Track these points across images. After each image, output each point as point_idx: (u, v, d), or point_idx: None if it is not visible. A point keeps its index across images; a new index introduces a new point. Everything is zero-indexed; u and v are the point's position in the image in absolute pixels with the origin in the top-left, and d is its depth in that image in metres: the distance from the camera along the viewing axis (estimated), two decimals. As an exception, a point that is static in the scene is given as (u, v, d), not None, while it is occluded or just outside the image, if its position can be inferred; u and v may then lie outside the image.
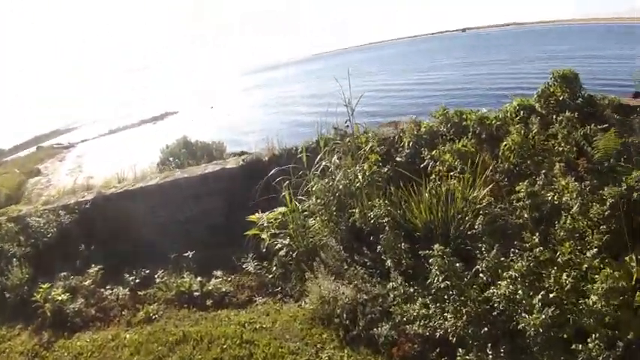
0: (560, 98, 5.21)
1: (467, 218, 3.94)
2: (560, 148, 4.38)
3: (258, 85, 63.87)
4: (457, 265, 3.16)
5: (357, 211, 4.51)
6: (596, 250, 3.09)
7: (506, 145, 4.69)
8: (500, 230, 3.73)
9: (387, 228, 3.98)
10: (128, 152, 16.71)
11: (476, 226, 3.67)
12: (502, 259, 3.24)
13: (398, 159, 5.29)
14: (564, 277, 2.95)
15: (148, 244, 5.63)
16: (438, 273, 3.15)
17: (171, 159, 9.99)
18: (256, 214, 5.15)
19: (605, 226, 3.29)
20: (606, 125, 4.43)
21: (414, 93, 25.60)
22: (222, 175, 6.41)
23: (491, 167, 4.54)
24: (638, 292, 2.77)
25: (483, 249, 3.34)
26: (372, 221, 4.31)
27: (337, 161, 4.81)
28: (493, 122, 5.27)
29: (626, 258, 3.04)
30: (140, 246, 5.68)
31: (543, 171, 4.16)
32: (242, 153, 8.23)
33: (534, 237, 3.34)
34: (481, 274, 3.24)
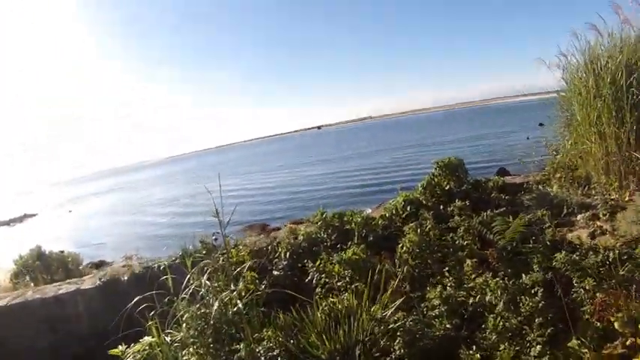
0: (447, 188, 5.14)
1: (380, 341, 3.10)
2: (464, 242, 4.04)
3: (117, 187, 61.83)
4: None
5: (242, 346, 3.37)
6: (539, 347, 2.69)
7: (402, 247, 4.19)
8: (424, 350, 2.96)
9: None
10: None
11: (394, 349, 2.85)
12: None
13: (276, 273, 4.48)
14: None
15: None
16: None
17: (25, 271, 9.11)
18: (119, 346, 3.76)
19: (541, 318, 2.83)
20: (503, 209, 4.34)
21: (280, 193, 23.96)
22: (78, 298, 5.56)
23: (391, 274, 3.93)
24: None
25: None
26: (262, 358, 3.20)
27: (208, 282, 3.78)
28: (379, 222, 4.87)
29: (572, 344, 2.65)
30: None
31: (449, 269, 3.74)
32: (100, 263, 6.98)
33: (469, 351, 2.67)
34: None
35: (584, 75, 5.31)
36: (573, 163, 5.66)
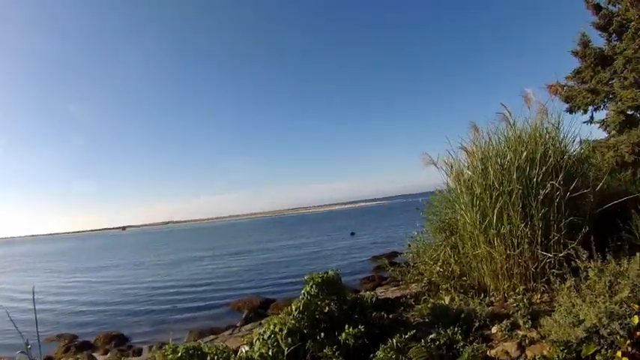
0: (326, 310, 4.11)
1: None
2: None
3: None
4: None
5: None
6: None
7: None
8: None
9: None
10: None
11: None
12: None
13: None
14: None
15: None
16: None
17: None
18: None
19: None
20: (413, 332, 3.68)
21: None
22: None
23: None
24: None
25: None
26: None
27: None
28: None
29: None
30: None
31: None
32: None
33: None
34: None
35: (481, 171, 4.88)
36: (461, 270, 5.04)
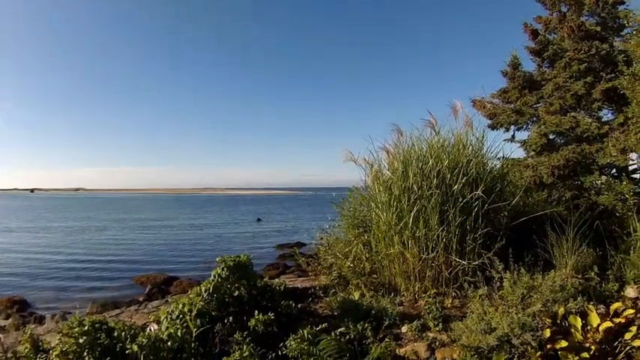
0: (236, 294, 3.80)
1: None
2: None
3: None
4: None
5: None
6: None
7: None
8: None
9: None
10: None
11: None
12: None
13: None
14: None
15: None
16: None
17: None
18: None
19: None
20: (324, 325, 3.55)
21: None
22: None
23: None
24: None
25: None
26: None
27: None
28: (170, 345, 3.28)
29: None
30: None
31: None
32: None
33: None
34: None
35: (401, 173, 4.83)
36: (372, 268, 5.05)
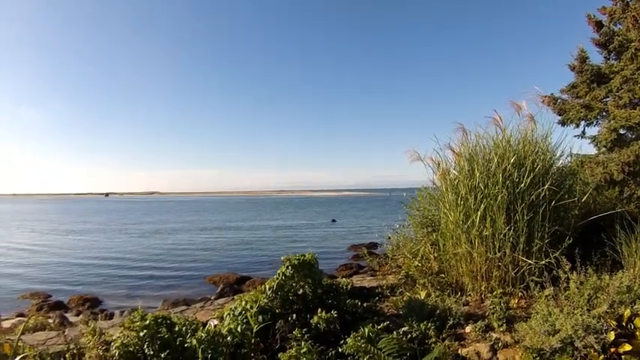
0: (300, 292, 4.02)
1: None
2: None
3: None
4: None
5: None
6: None
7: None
8: None
9: None
10: None
11: None
12: None
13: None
14: None
15: None
16: None
17: None
18: None
19: None
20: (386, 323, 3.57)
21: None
22: None
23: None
24: None
25: None
26: None
27: None
28: (230, 340, 3.50)
29: None
30: None
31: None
32: None
33: None
34: None
35: (467, 172, 4.82)
36: (439, 267, 5.00)
